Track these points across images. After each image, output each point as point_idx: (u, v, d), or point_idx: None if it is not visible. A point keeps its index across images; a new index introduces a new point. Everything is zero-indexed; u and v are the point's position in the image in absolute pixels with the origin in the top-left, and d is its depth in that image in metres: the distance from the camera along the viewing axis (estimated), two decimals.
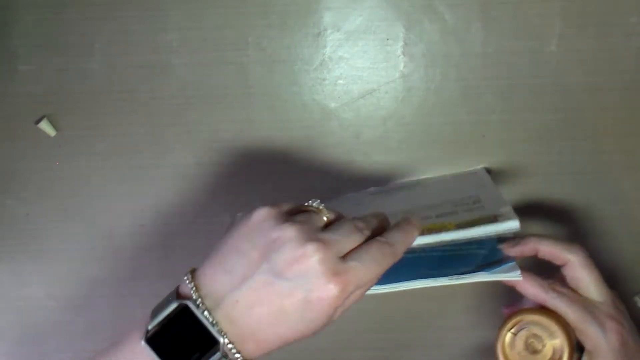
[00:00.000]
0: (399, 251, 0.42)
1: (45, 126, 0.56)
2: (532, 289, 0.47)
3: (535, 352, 0.46)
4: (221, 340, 0.38)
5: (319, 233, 0.39)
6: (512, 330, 0.47)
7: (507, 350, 0.47)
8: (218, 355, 0.38)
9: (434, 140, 0.58)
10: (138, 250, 0.59)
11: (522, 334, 0.47)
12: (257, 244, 0.39)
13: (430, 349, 0.63)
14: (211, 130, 0.57)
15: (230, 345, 0.38)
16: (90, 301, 0.60)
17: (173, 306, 0.39)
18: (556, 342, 0.45)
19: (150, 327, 0.39)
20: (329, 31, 0.56)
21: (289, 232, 0.39)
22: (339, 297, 0.38)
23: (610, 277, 0.58)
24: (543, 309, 0.47)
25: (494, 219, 0.48)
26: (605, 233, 0.59)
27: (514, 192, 0.58)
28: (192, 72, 0.56)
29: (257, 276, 0.39)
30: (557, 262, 0.48)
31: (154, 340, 0.39)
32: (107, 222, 0.59)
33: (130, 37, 0.55)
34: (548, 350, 0.46)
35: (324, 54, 0.56)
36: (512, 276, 0.46)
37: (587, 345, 0.46)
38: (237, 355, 0.38)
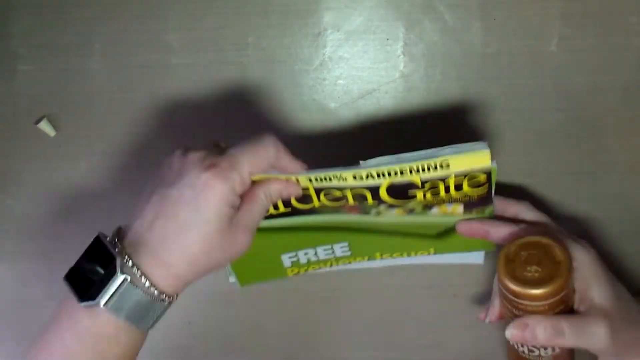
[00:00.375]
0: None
1: (45, 126, 0.56)
2: (501, 229, 0.49)
3: (537, 269, 0.45)
4: (118, 258, 0.40)
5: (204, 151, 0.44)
6: (510, 257, 0.46)
7: (511, 276, 0.45)
8: (117, 274, 0.40)
9: (434, 140, 0.57)
10: None
11: (521, 258, 0.46)
12: (155, 180, 0.44)
13: (430, 349, 0.63)
14: (211, 131, 0.57)
15: (131, 264, 0.40)
16: None
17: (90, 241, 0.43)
18: (556, 253, 0.45)
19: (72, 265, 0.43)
20: (329, 31, 0.56)
21: (178, 153, 0.44)
22: (217, 179, 0.41)
23: None
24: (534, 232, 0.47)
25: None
26: (605, 233, 0.59)
27: (513, 192, 0.58)
28: (192, 72, 0.56)
29: (154, 196, 0.43)
30: (508, 215, 0.51)
31: (71, 275, 0.43)
32: (107, 222, 0.59)
33: (130, 37, 0.55)
34: (548, 265, 0.45)
35: (324, 54, 0.56)
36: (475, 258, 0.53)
37: (575, 264, 0.46)
38: (145, 281, 0.40)
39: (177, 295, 0.43)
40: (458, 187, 0.47)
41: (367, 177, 0.45)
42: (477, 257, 0.56)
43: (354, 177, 0.45)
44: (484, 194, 0.48)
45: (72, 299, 0.41)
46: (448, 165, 0.45)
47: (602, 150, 0.57)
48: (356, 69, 0.56)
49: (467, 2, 0.55)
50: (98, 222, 0.59)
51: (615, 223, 0.59)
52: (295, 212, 0.49)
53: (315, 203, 0.48)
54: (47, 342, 0.42)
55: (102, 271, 0.41)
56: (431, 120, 0.57)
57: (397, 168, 0.45)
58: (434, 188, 0.46)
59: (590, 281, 0.46)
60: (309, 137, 0.57)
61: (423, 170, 0.45)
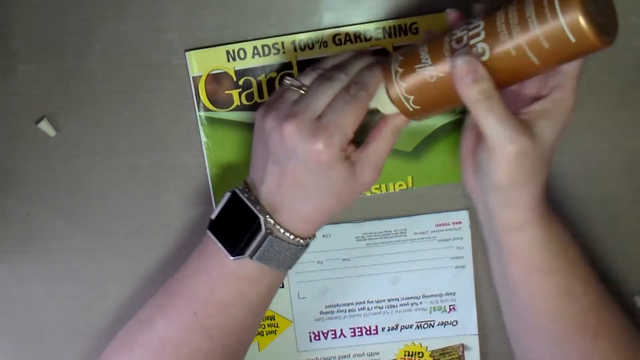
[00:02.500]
0: (368, 90, 0.46)
1: (45, 126, 0.56)
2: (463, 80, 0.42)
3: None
4: (261, 217, 0.46)
5: (291, 108, 0.45)
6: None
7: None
8: (262, 232, 0.46)
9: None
10: (138, 250, 0.59)
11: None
12: (261, 141, 0.47)
13: None
14: None
15: (273, 222, 0.46)
16: (90, 301, 0.60)
17: (226, 195, 0.48)
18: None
19: (212, 217, 0.49)
20: None
21: (270, 122, 0.45)
22: (328, 149, 0.43)
23: (610, 277, 0.59)
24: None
25: (461, 352, 0.60)
26: (605, 233, 0.59)
27: None
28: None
29: (269, 166, 0.46)
30: None
31: (215, 227, 0.48)
32: (107, 222, 0.59)
33: (130, 37, 0.55)
34: None
35: None
36: None
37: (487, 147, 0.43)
38: (287, 234, 0.47)
39: (314, 236, 0.49)
40: None
41: (347, 41, 0.55)
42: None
43: (335, 42, 0.55)
44: None
45: (211, 244, 0.48)
46: (417, 30, 0.53)
47: (601, 150, 0.57)
48: None
49: (467, 2, 0.55)
50: (98, 222, 0.59)
51: (615, 223, 0.59)
52: None
53: None
54: (193, 274, 0.50)
55: (244, 226, 0.47)
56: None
57: (372, 26, 0.54)
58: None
59: (497, 160, 0.43)
60: None
61: (395, 34, 0.54)
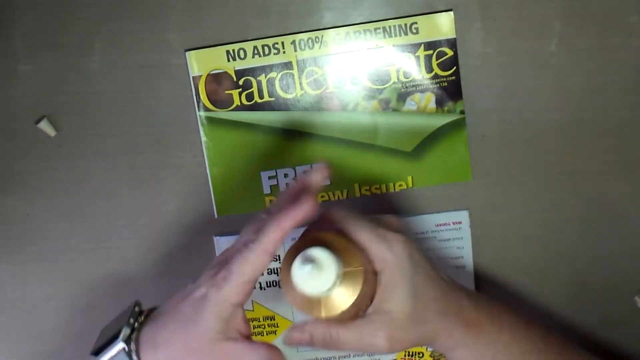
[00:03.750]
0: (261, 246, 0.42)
1: (45, 126, 0.56)
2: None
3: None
4: (125, 328, 0.43)
5: None
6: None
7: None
8: (119, 344, 0.42)
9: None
10: (138, 250, 0.59)
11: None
12: None
13: None
14: None
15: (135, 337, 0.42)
16: (90, 301, 0.60)
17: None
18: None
19: None
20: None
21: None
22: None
23: (610, 277, 0.59)
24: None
25: None
26: (605, 233, 0.59)
27: (514, 192, 0.58)
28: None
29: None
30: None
31: (106, 329, 0.45)
32: (107, 222, 0.59)
33: (130, 37, 0.55)
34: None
35: None
36: None
37: (377, 266, 0.44)
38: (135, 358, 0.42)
39: None
40: (428, 69, 0.55)
41: (346, 37, 0.55)
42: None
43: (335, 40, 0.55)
44: (454, 79, 0.55)
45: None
46: (417, 30, 0.54)
47: (601, 150, 0.57)
48: None
49: (467, 2, 0.55)
50: (98, 222, 0.59)
51: (615, 223, 0.59)
52: (277, 104, 0.56)
53: (298, 91, 0.55)
54: None
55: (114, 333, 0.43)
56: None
57: (372, 26, 0.55)
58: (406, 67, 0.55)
59: (386, 286, 0.44)
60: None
61: (395, 33, 0.55)
